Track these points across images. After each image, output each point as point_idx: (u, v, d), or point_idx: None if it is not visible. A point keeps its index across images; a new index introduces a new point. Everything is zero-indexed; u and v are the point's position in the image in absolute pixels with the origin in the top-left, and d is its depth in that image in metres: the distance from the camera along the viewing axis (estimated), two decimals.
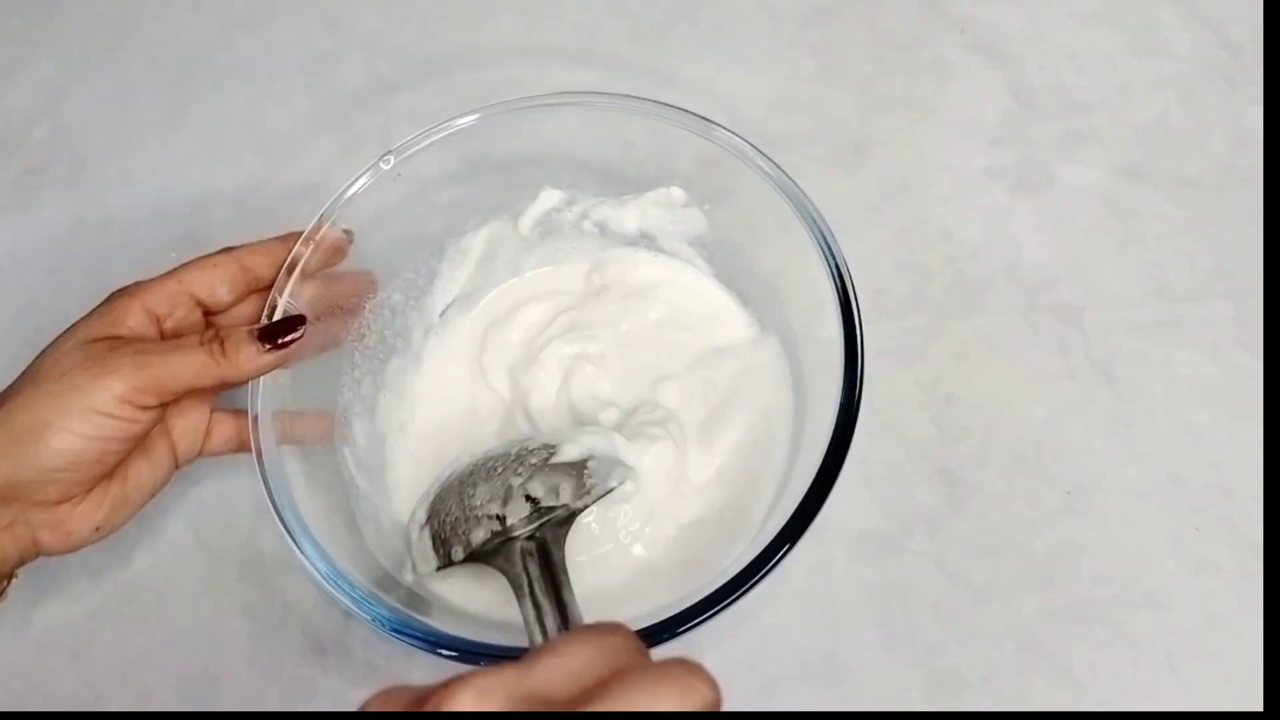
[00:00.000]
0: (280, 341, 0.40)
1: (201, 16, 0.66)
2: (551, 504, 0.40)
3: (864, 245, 0.54)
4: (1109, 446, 0.50)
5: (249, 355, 0.40)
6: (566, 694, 0.24)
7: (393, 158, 0.46)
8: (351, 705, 0.47)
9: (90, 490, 0.40)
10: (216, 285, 0.42)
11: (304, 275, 0.43)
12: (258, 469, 0.41)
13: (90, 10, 0.67)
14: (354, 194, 0.45)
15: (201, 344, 0.40)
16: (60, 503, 0.40)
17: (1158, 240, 0.55)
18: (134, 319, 0.41)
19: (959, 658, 0.46)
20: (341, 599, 0.39)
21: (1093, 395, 0.51)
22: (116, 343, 0.40)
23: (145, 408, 0.39)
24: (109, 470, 0.40)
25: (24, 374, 0.40)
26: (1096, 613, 0.47)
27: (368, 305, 0.48)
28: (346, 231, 0.45)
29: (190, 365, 0.39)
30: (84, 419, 0.37)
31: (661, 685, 0.24)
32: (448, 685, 0.24)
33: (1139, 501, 0.49)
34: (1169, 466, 0.50)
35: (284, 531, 0.40)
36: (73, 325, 0.41)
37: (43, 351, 0.40)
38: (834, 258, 0.43)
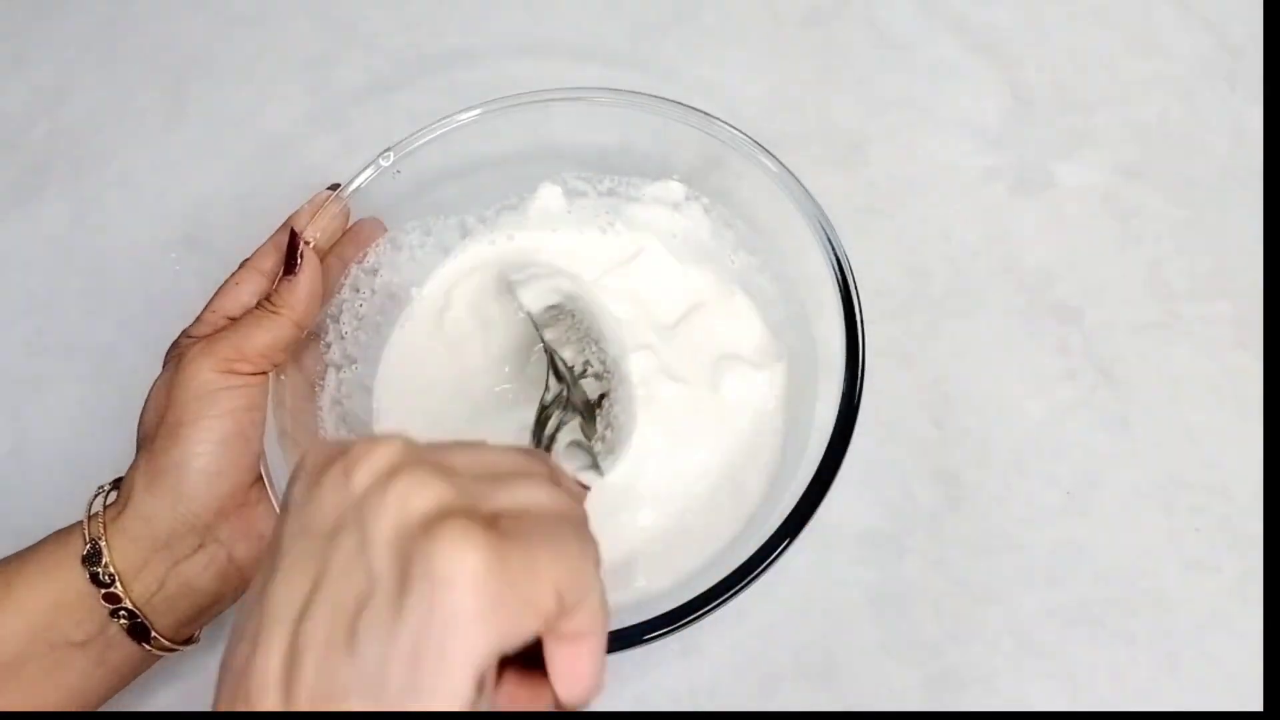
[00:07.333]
0: (295, 261, 0.43)
1: (201, 16, 0.66)
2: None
3: (864, 245, 0.54)
4: (1109, 446, 0.50)
5: (286, 289, 0.42)
6: (471, 471, 0.27)
7: (392, 154, 0.46)
8: None
9: (257, 480, 0.41)
10: (245, 298, 0.43)
11: (319, 253, 0.45)
12: (260, 466, 0.41)
13: (90, 10, 0.67)
14: (353, 190, 0.46)
15: (257, 309, 0.43)
16: (237, 503, 0.41)
17: (1158, 240, 0.55)
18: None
19: (959, 658, 0.46)
20: None
21: (1092, 395, 0.51)
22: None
23: (243, 373, 0.41)
24: (256, 449, 0.41)
25: (139, 441, 0.42)
26: (1096, 613, 0.47)
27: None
28: (332, 187, 0.46)
29: (255, 324, 0.42)
30: (201, 403, 0.40)
31: (541, 486, 0.28)
32: (373, 439, 0.27)
33: (1139, 501, 0.49)
34: (1169, 466, 0.50)
35: None
36: (151, 388, 0.42)
37: (140, 418, 0.42)
38: (836, 255, 0.43)
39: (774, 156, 0.45)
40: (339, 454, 0.27)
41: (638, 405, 0.44)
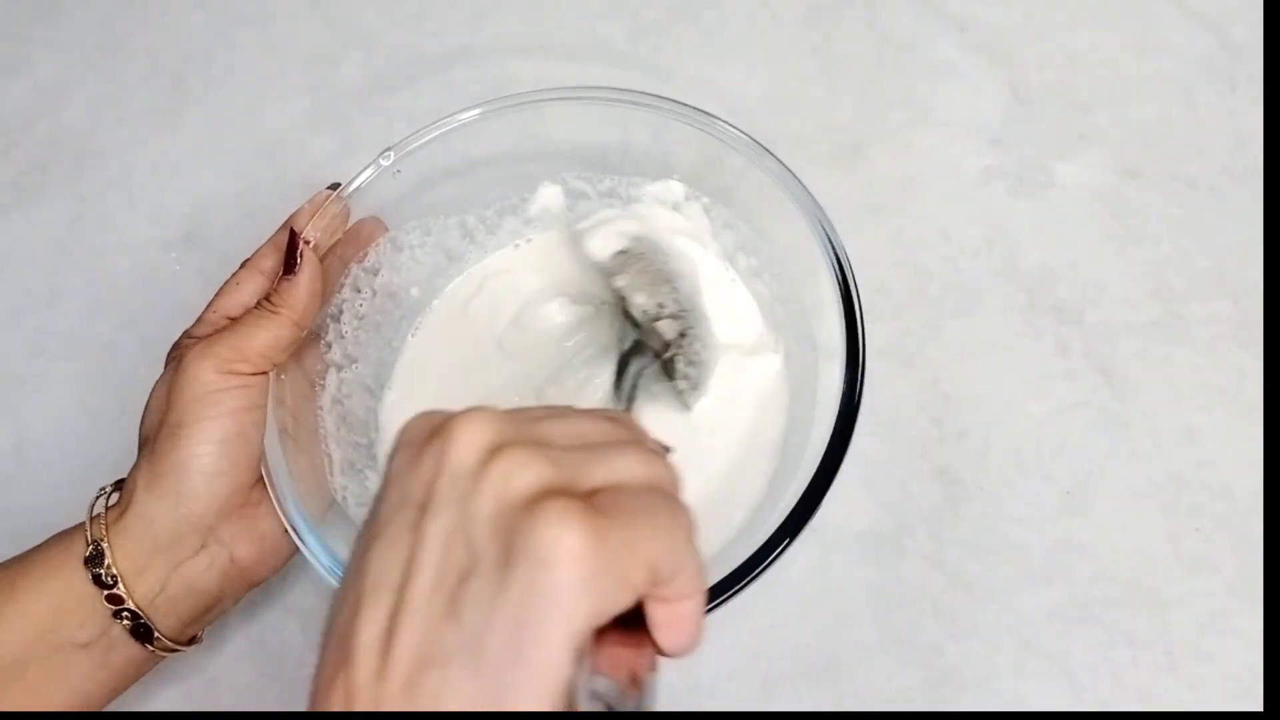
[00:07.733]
0: (294, 260, 0.43)
1: (201, 16, 0.66)
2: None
3: (864, 245, 0.54)
4: (1109, 446, 0.50)
5: (286, 289, 0.42)
6: (564, 442, 0.28)
7: (392, 154, 0.46)
8: None
9: (258, 480, 0.41)
10: (245, 298, 0.43)
11: (319, 253, 0.44)
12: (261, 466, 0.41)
13: (90, 10, 0.67)
14: (353, 190, 0.46)
15: (256, 308, 0.43)
16: (238, 504, 0.41)
17: (1157, 240, 0.55)
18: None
19: (959, 658, 0.46)
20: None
21: (1092, 395, 0.51)
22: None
23: (243, 373, 0.41)
24: (256, 449, 0.41)
25: (140, 442, 0.42)
26: (1096, 613, 0.47)
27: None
28: (332, 187, 0.45)
29: (255, 324, 0.42)
30: (202, 404, 0.40)
31: (633, 456, 0.29)
32: (469, 413, 0.28)
33: (1139, 501, 0.49)
34: (1169, 466, 0.50)
35: (288, 527, 0.40)
36: (153, 389, 0.42)
37: (141, 420, 0.42)
38: (836, 255, 0.43)
39: (774, 156, 0.45)
40: (438, 427, 0.28)
41: (718, 338, 0.46)
